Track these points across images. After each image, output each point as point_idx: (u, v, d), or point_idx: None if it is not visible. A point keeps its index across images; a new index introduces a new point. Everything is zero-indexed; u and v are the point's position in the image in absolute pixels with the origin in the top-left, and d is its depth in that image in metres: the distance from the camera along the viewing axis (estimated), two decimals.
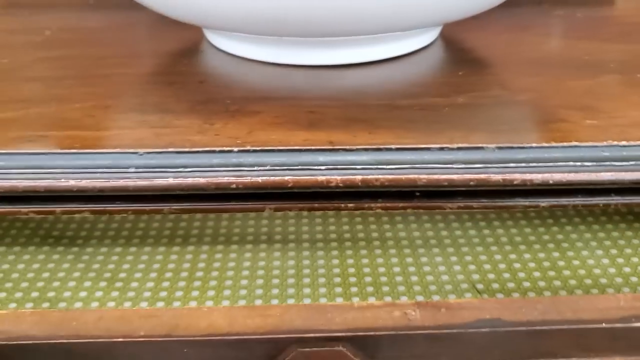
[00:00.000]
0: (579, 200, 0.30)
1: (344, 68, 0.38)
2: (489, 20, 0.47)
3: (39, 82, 0.37)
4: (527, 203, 0.30)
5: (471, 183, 0.29)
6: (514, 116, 0.33)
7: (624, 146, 0.29)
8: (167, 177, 0.29)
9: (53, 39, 0.44)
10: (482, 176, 0.29)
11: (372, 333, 0.28)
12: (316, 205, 0.30)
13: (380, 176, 0.29)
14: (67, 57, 0.41)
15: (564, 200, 0.30)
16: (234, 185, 0.29)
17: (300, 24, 0.34)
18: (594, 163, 0.29)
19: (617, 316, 0.28)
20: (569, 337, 0.28)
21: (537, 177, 0.29)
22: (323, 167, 0.29)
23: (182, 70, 0.39)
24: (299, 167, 0.29)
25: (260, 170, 0.29)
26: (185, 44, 0.43)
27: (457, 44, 0.43)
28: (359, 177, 0.29)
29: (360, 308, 0.29)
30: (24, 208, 0.30)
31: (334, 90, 0.36)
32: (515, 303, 0.29)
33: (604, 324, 0.28)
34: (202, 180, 0.29)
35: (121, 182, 0.29)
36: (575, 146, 0.29)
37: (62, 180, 0.29)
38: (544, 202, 0.30)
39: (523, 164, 0.29)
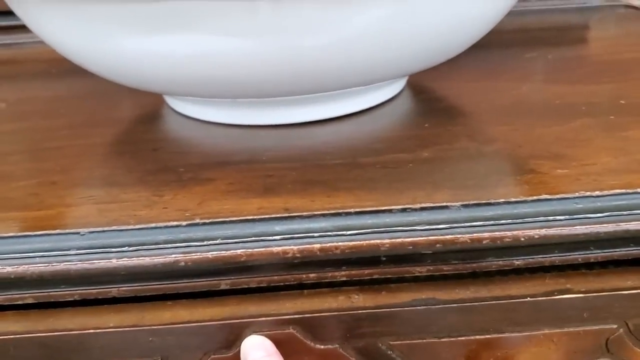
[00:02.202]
0: (555, 256, 0.28)
1: (305, 126, 0.37)
2: (458, 66, 0.46)
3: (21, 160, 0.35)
4: (500, 262, 0.28)
5: (437, 245, 0.27)
6: (481, 170, 0.31)
7: (598, 196, 0.28)
8: (110, 258, 0.27)
9: (7, 112, 0.43)
10: (449, 237, 0.27)
11: (318, 314, 0.28)
12: (275, 277, 0.28)
13: (340, 243, 0.27)
14: (19, 130, 0.39)
15: (539, 257, 0.28)
16: (182, 264, 0.27)
17: (256, 86, 0.33)
18: (567, 217, 0.27)
19: (541, 290, 0.28)
20: (498, 312, 0.28)
21: (507, 234, 0.27)
22: (278, 237, 0.27)
23: (137, 137, 0.37)
24: (253, 238, 0.27)
25: (210, 244, 0.27)
26: (145, 110, 0.42)
27: (424, 93, 0.42)
28: (317, 246, 0.27)
29: (309, 294, 0.28)
30: None
31: (293, 151, 0.34)
32: (449, 284, 0.28)
33: (529, 298, 0.28)
34: (147, 260, 0.27)
35: (62, 266, 0.27)
36: (546, 199, 0.28)
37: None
38: (518, 260, 0.28)
39: (491, 222, 0.27)
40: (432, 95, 0.42)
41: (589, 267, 0.29)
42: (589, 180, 0.29)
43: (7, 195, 0.31)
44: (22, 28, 0.58)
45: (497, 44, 0.52)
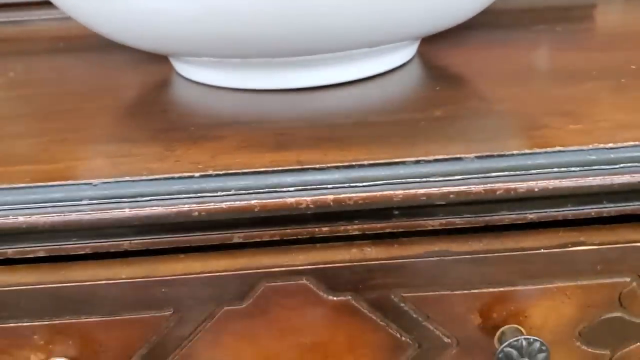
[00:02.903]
0: (568, 210, 0.28)
1: (316, 90, 0.37)
2: (467, 38, 0.46)
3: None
4: (513, 216, 0.28)
5: (451, 196, 0.27)
6: (494, 125, 0.31)
7: (611, 148, 0.27)
8: (123, 208, 0.27)
9: (16, 80, 0.43)
10: (462, 188, 0.27)
11: (331, 265, 0.28)
12: (288, 231, 0.28)
13: (353, 194, 0.27)
14: (28, 96, 0.39)
15: (552, 211, 0.28)
16: (195, 213, 0.27)
17: (265, 43, 0.33)
18: (581, 168, 0.27)
19: (555, 243, 0.28)
20: (512, 264, 0.29)
21: (521, 185, 0.27)
22: (292, 189, 0.27)
23: (147, 101, 0.37)
24: (266, 189, 0.27)
25: (224, 195, 0.27)
26: (154, 77, 0.42)
27: (434, 61, 0.42)
28: (331, 197, 0.27)
29: (322, 247, 0.29)
30: None
31: (304, 113, 0.34)
32: (461, 237, 0.29)
33: (542, 250, 0.28)
34: (160, 210, 0.26)
35: (74, 216, 0.27)
36: (560, 151, 0.27)
37: (11, 217, 0.27)
38: (532, 213, 0.28)
39: (505, 173, 0.27)
40: (442, 62, 0.42)
41: (602, 221, 0.29)
42: (602, 134, 0.29)
43: (19, 152, 0.31)
44: (29, 5, 0.59)
45: (504, 21, 0.52)
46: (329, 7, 0.30)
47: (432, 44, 0.44)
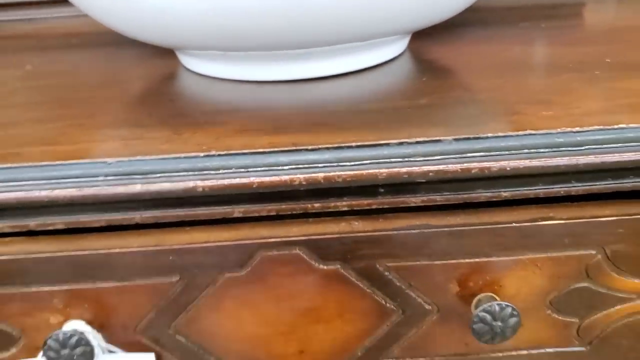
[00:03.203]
0: (539, 189, 0.31)
1: (312, 81, 0.40)
2: (455, 35, 0.49)
3: (16, 108, 0.38)
4: (489, 194, 0.31)
5: (430, 174, 0.30)
6: (473, 112, 0.33)
7: (578, 132, 0.30)
8: (135, 184, 0.30)
9: (34, 73, 0.46)
10: (441, 167, 0.29)
11: (322, 237, 0.31)
12: (283, 206, 0.31)
13: (342, 173, 0.30)
14: (46, 86, 0.42)
15: (524, 189, 0.31)
16: (200, 189, 0.30)
17: (265, 37, 0.36)
18: (549, 149, 0.30)
19: (526, 218, 0.31)
20: (487, 237, 0.31)
21: (495, 165, 0.30)
22: (286, 167, 0.30)
23: (156, 91, 0.40)
24: (263, 168, 0.30)
25: (225, 173, 0.30)
26: (162, 70, 0.45)
27: (423, 55, 0.45)
28: (321, 175, 0.30)
29: (314, 221, 0.31)
30: (3, 221, 0.31)
31: (300, 101, 0.37)
32: (441, 212, 0.31)
33: (514, 224, 0.31)
34: (168, 185, 0.29)
35: (92, 190, 0.30)
36: (530, 134, 0.30)
37: (35, 191, 0.30)
38: (506, 191, 0.31)
39: (480, 154, 0.30)
40: (430, 56, 0.44)
41: (570, 199, 0.31)
42: (570, 119, 0.31)
43: (39, 135, 0.34)
44: (45, 3, 0.62)
45: (493, 18, 0.54)
46: (325, 4, 0.33)
47: (422, 40, 0.47)
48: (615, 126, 0.30)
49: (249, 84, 0.40)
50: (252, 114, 0.35)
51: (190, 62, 0.43)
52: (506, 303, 0.30)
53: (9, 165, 0.30)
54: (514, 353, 0.34)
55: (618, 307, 0.33)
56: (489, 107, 0.34)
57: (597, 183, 0.31)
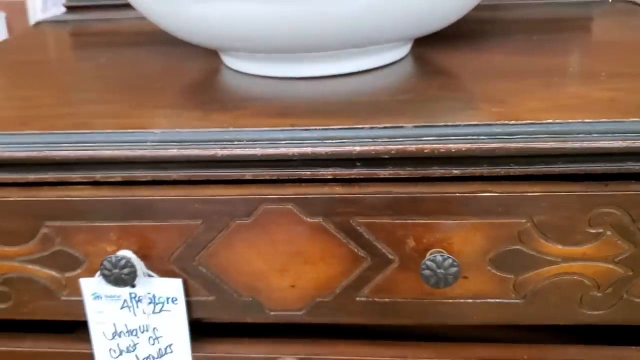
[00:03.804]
0: (484, 169, 0.39)
1: (321, 79, 0.49)
2: (455, 43, 0.57)
3: (91, 91, 0.50)
4: (443, 171, 0.39)
5: (392, 152, 0.38)
6: (439, 108, 0.42)
7: (513, 124, 0.38)
8: (172, 149, 0.40)
9: (105, 64, 0.57)
10: (400, 147, 0.38)
11: (309, 196, 0.41)
12: (282, 172, 0.40)
13: (326, 148, 0.39)
14: (113, 76, 0.54)
15: (471, 169, 0.39)
16: (219, 156, 0.39)
17: (288, 41, 0.45)
18: (487, 137, 0.38)
19: (469, 190, 0.39)
20: (437, 203, 0.40)
21: (443, 147, 0.38)
22: (284, 142, 0.39)
23: (199, 82, 0.51)
24: (267, 141, 0.39)
25: (238, 144, 0.40)
26: (206, 66, 0.55)
27: (421, 60, 0.53)
28: (310, 149, 0.39)
29: (305, 185, 0.41)
30: (74, 175, 0.41)
31: (306, 94, 0.47)
32: (403, 183, 0.40)
33: (457, 194, 0.39)
34: (196, 152, 0.40)
35: (141, 152, 0.40)
36: (475, 124, 0.38)
37: (100, 150, 0.40)
38: (456, 170, 0.39)
39: (432, 138, 0.38)
40: (426, 62, 0.53)
41: (508, 178, 0.39)
42: (512, 115, 0.39)
43: (107, 111, 0.45)
44: (117, 7, 0.74)
45: (497, 30, 0.62)
46: (338, 17, 0.42)
47: (426, 46, 0.55)
48: (544, 121, 0.38)
49: (273, 79, 0.50)
50: (267, 102, 0.45)
51: (228, 60, 0.53)
52: (448, 255, 0.39)
53: (83, 131, 0.41)
54: (461, 300, 0.42)
55: (546, 267, 0.41)
56: (454, 103, 0.42)
57: (531, 167, 0.39)
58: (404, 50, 0.53)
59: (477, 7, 0.70)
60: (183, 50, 0.59)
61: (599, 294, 0.41)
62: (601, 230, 0.39)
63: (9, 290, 0.45)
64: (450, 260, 0.39)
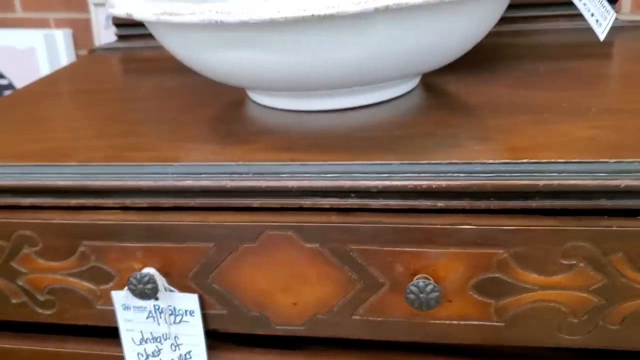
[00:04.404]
0: (466, 202, 0.43)
1: (332, 112, 0.53)
2: (464, 74, 0.60)
3: (126, 123, 0.56)
4: (428, 203, 0.43)
5: (380, 187, 0.43)
6: (428, 144, 0.46)
7: (490, 163, 0.42)
8: (187, 180, 0.45)
9: (144, 95, 0.64)
10: (387, 182, 0.42)
11: (307, 224, 0.45)
12: (284, 202, 0.45)
13: (322, 182, 0.44)
14: (148, 107, 0.60)
15: (454, 202, 0.43)
16: (229, 186, 0.45)
17: (299, 82, 0.50)
18: (466, 174, 0.42)
19: (451, 222, 0.43)
20: (421, 233, 0.44)
21: (424, 183, 0.42)
22: (285, 175, 0.44)
23: (222, 115, 0.56)
24: (270, 174, 0.45)
25: (246, 176, 0.45)
26: (233, 98, 0.61)
27: (427, 92, 0.57)
28: (307, 182, 0.44)
29: (304, 214, 0.45)
30: (107, 201, 0.48)
31: (316, 128, 0.51)
32: (392, 214, 0.44)
33: (439, 226, 0.44)
34: (209, 182, 0.45)
35: (163, 183, 0.46)
36: (455, 163, 0.42)
37: (129, 181, 0.46)
38: (440, 203, 0.43)
39: (415, 174, 0.42)
40: (433, 93, 0.57)
41: (488, 212, 0.43)
42: (493, 154, 0.43)
43: (136, 144, 0.51)
44: None
45: (510, 57, 0.65)
46: (342, 62, 0.46)
47: (436, 76, 0.59)
48: (520, 160, 0.41)
49: (287, 112, 0.55)
50: (278, 135, 0.50)
51: (252, 94, 0.59)
52: (430, 281, 0.43)
53: (114, 163, 0.47)
54: (447, 322, 0.46)
55: (525, 294, 0.44)
56: (443, 140, 0.46)
57: (509, 201, 0.42)
58: (412, 84, 0.57)
59: (498, 33, 0.73)
60: (212, 81, 0.65)
61: (576, 321, 0.44)
62: (574, 262, 0.42)
63: (54, 298, 0.52)
64: (431, 286, 0.43)
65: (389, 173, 0.43)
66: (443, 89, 0.58)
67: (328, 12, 0.41)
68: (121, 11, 0.48)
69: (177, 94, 0.64)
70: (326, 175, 0.44)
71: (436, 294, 0.43)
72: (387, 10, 0.41)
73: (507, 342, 0.46)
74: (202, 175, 0.45)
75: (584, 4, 0.51)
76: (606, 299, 0.43)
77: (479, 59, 0.64)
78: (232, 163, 0.45)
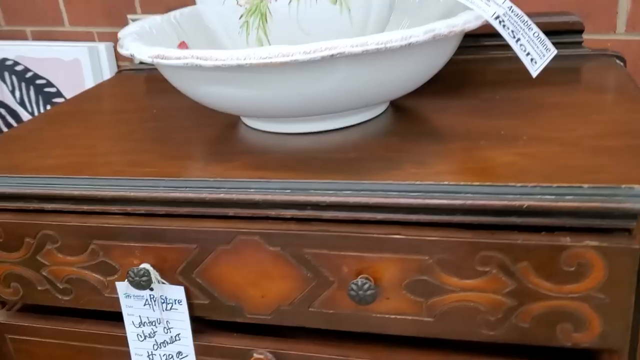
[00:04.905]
0: (400, 215, 0.51)
1: (316, 134, 0.62)
2: (428, 99, 0.68)
3: (134, 141, 0.67)
4: (368, 215, 0.52)
5: (328, 202, 0.52)
6: (373, 166, 0.54)
7: (419, 184, 0.50)
8: (174, 192, 0.55)
9: (154, 116, 0.74)
10: (333, 198, 0.51)
11: (270, 231, 0.54)
12: (252, 212, 0.55)
13: (283, 196, 0.53)
14: (154, 128, 0.70)
15: (390, 215, 0.51)
16: (207, 199, 0.54)
17: (285, 111, 0.59)
18: (399, 192, 0.50)
19: (385, 232, 0.53)
20: (361, 241, 0.54)
21: (362, 199, 0.51)
22: (253, 190, 0.54)
23: (216, 136, 0.66)
24: (240, 189, 0.54)
25: (222, 190, 0.54)
26: (227, 121, 0.70)
27: (391, 117, 0.65)
28: (270, 196, 0.53)
29: (269, 222, 0.54)
30: (112, 208, 0.58)
31: (296, 149, 0.60)
32: (340, 224, 0.53)
33: (375, 235, 0.52)
34: (192, 195, 0.55)
35: (157, 194, 0.56)
36: (389, 183, 0.51)
37: (131, 192, 0.57)
38: (379, 215, 0.52)
39: (355, 191, 0.51)
40: (394, 119, 0.65)
41: (417, 224, 0.51)
42: (420, 176, 0.51)
43: (147, 161, 0.61)
44: None
45: (473, 84, 0.73)
46: (318, 94, 0.56)
47: (404, 100, 0.67)
48: (441, 182, 0.50)
49: (270, 134, 0.64)
50: (260, 155, 0.59)
51: (245, 119, 0.68)
52: (367, 281, 0.51)
53: (118, 177, 0.57)
54: (386, 316, 0.54)
55: (449, 295, 0.52)
56: (386, 163, 0.55)
57: (435, 216, 0.51)
58: (381, 108, 0.66)
59: (474, 60, 0.81)
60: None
61: (493, 319, 0.52)
62: (488, 269, 0.50)
63: (71, 287, 0.62)
64: (368, 284, 0.51)
65: (336, 190, 0.52)
66: (404, 115, 0.66)
67: (284, 59, 0.50)
68: (126, 52, 0.59)
69: (183, 115, 0.74)
70: (286, 191, 0.53)
71: (372, 291, 0.52)
72: (332, 58, 0.50)
73: (438, 335, 0.54)
74: (187, 189, 0.55)
75: (520, 45, 0.59)
76: (517, 301, 0.51)
77: (446, 86, 0.72)
78: (211, 179, 0.55)
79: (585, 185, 0.47)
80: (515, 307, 0.51)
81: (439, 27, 0.53)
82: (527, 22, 0.61)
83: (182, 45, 0.74)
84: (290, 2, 0.57)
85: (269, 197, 0.53)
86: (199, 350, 0.61)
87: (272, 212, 0.54)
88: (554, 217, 0.48)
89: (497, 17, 0.59)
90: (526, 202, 0.48)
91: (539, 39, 0.61)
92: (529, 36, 0.60)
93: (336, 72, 0.53)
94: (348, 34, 0.60)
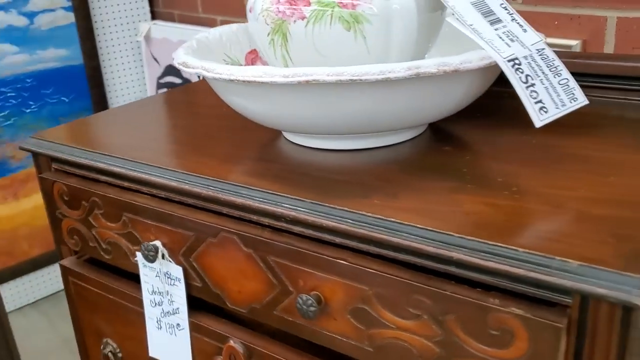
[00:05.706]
0: (353, 242, 0.53)
1: (351, 152, 0.65)
2: (464, 127, 0.67)
3: (183, 134, 0.75)
4: (328, 237, 0.54)
5: (290, 217, 0.55)
6: (347, 191, 0.56)
7: (369, 216, 0.51)
8: (173, 182, 0.63)
9: (217, 114, 0.83)
10: (293, 214, 0.55)
11: (246, 234, 0.59)
12: (238, 213, 0.60)
13: (261, 205, 0.57)
14: (208, 124, 0.79)
15: (346, 241, 0.53)
16: (203, 194, 0.61)
17: (316, 127, 0.63)
18: (352, 221, 0.52)
19: (333, 257, 0.54)
20: (313, 260, 0.58)
21: (319, 220, 0.53)
22: (240, 194, 0.59)
23: (250, 140, 0.72)
24: (230, 192, 0.60)
25: (217, 190, 0.60)
26: (269, 136, 0.75)
27: (433, 138, 0.65)
28: (262, 205, 0.58)
29: (248, 226, 0.61)
30: (143, 187, 0.68)
31: (299, 163, 0.64)
32: (306, 241, 0.56)
33: (331, 259, 0.54)
34: (196, 190, 0.62)
35: (165, 182, 0.64)
36: (364, 215, 0.52)
37: (164, 180, 0.65)
38: (338, 239, 0.54)
39: (316, 212, 0.54)
40: (423, 145, 0.65)
41: (364, 253, 0.52)
42: (379, 209, 0.52)
43: (175, 152, 0.70)
44: None
45: (527, 123, 0.69)
46: (347, 114, 0.59)
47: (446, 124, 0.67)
48: (387, 218, 0.50)
49: (309, 149, 0.68)
50: (265, 165, 0.64)
51: (285, 133, 0.73)
52: (310, 298, 0.54)
53: (148, 163, 0.66)
54: (334, 335, 0.56)
55: (386, 329, 0.52)
56: (361, 191, 0.56)
57: (379, 249, 0.51)
58: (416, 131, 0.66)
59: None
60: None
61: None
62: (419, 313, 0.50)
63: (110, 248, 0.74)
64: (310, 301, 0.54)
65: (299, 207, 0.55)
66: (426, 145, 0.66)
67: (304, 79, 0.54)
68: (176, 63, 0.67)
69: (238, 117, 0.81)
70: (264, 200, 0.57)
71: (314, 308, 0.54)
72: (352, 82, 0.53)
73: None
74: (186, 182, 0.63)
75: (532, 91, 0.56)
76: (446, 352, 0.49)
77: (494, 120, 0.70)
78: (209, 178, 0.62)
79: (520, 250, 0.45)
80: (443, 358, 0.50)
81: (426, 65, 0.53)
82: (556, 67, 0.58)
83: (252, 52, 0.81)
84: (306, 25, 0.60)
85: (250, 203, 0.58)
86: (192, 327, 0.68)
87: (253, 217, 0.59)
88: (484, 274, 0.46)
89: (513, 60, 0.57)
90: (455, 254, 0.47)
91: (566, 88, 0.58)
92: (550, 83, 0.57)
93: (365, 95, 0.56)
94: (365, 58, 0.62)
